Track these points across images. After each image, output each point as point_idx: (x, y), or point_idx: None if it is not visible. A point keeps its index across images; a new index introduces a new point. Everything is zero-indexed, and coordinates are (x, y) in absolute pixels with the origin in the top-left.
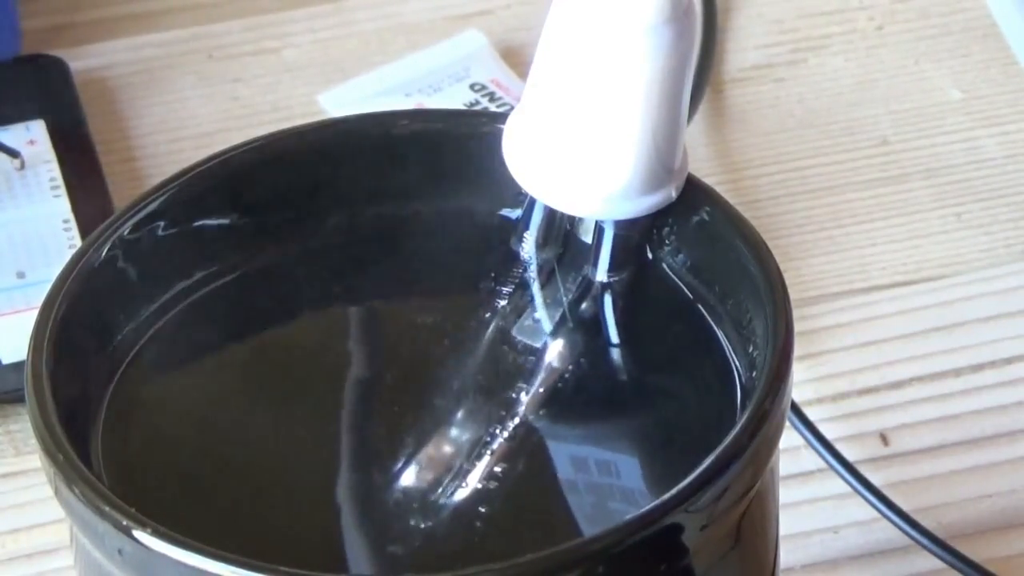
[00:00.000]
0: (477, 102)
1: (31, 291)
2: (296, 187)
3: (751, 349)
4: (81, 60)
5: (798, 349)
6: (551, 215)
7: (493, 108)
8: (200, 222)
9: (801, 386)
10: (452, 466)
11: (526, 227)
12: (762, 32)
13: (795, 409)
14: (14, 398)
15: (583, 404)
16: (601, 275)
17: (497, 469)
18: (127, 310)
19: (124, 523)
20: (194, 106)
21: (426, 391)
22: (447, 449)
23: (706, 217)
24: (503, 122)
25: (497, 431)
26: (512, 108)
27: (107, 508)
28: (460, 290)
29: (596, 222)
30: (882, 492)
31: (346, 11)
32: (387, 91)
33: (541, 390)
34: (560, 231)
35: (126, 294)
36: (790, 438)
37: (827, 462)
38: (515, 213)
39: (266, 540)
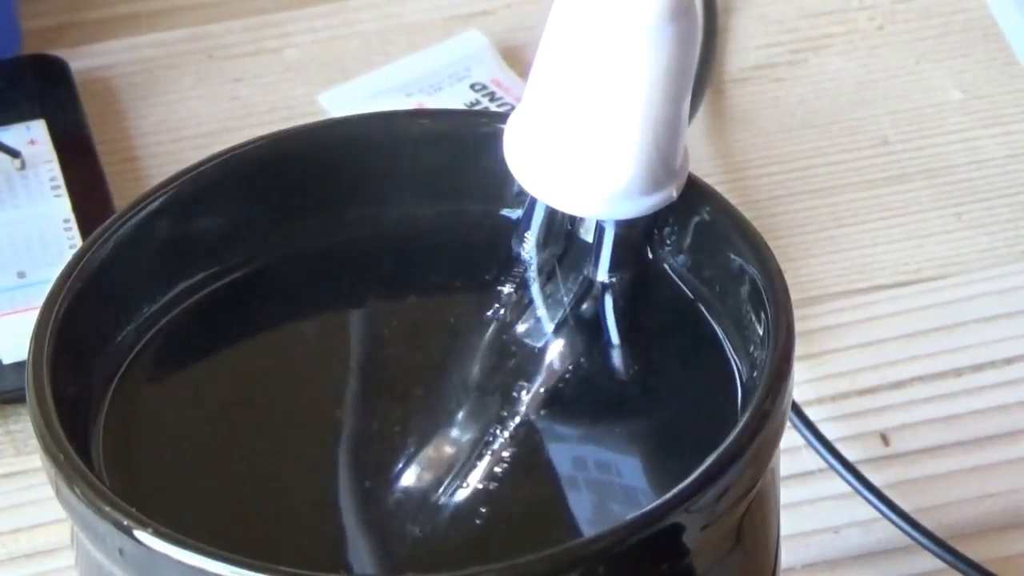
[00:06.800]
0: (478, 102)
1: (32, 291)
2: (296, 187)
3: (752, 349)
4: (81, 60)
5: (799, 349)
6: (552, 215)
7: (494, 108)
8: (201, 222)
9: (802, 386)
10: (453, 466)
11: (527, 227)
12: (762, 32)
13: (796, 409)
14: (14, 398)
15: (584, 404)
16: (602, 275)
17: (497, 469)
18: (128, 310)
19: (125, 523)
20: (194, 106)
21: (427, 391)
22: (448, 449)
23: (707, 217)
24: (504, 122)
25: (498, 431)
26: (513, 108)
27: (108, 508)
28: (461, 290)
29: (597, 222)
30: (882, 492)
31: (347, 11)
32: (387, 91)
33: (542, 390)
34: (561, 231)
35: (127, 294)
36: (791, 438)
37: (828, 462)
38: (516, 213)
39: (266, 540)
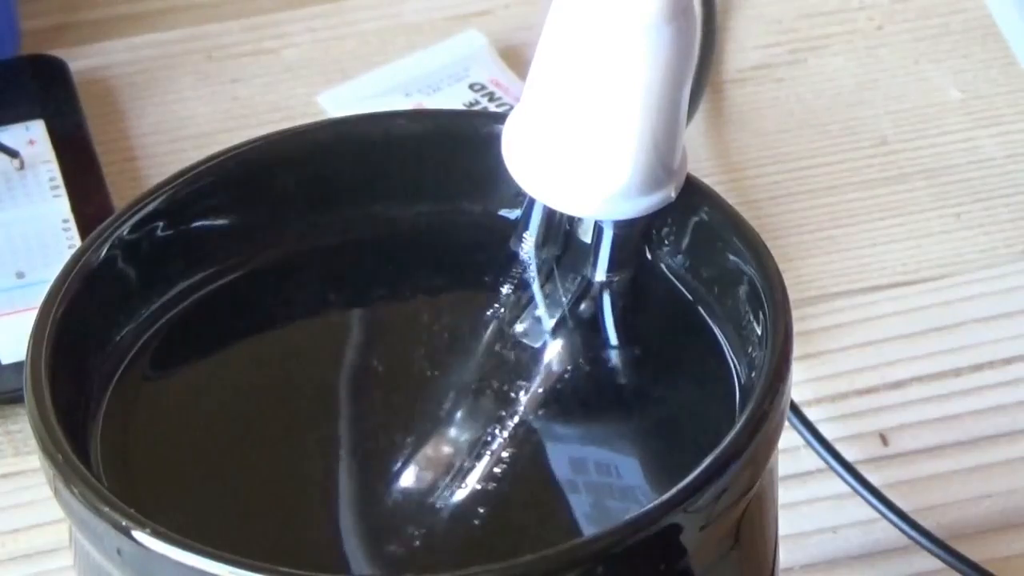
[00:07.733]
0: (477, 102)
1: (31, 291)
2: (296, 187)
3: (750, 349)
4: (81, 60)
5: (797, 349)
6: (550, 215)
7: (492, 108)
8: (200, 222)
9: (800, 386)
10: (451, 466)
11: (525, 227)
12: (762, 32)
13: (794, 409)
14: (14, 398)
15: (582, 404)
16: (600, 275)
17: (496, 469)
18: (126, 310)
19: (123, 523)
20: (194, 106)
21: (426, 391)
22: (446, 449)
23: (705, 217)
24: (502, 122)
25: (496, 431)
26: (511, 108)
27: (106, 508)
28: (459, 290)
29: (595, 222)
30: (881, 492)
31: (346, 11)
32: (387, 91)
33: (540, 390)
34: (559, 231)
35: (125, 294)
36: (789, 438)
37: (826, 462)
38: (514, 213)
39: (265, 540)
